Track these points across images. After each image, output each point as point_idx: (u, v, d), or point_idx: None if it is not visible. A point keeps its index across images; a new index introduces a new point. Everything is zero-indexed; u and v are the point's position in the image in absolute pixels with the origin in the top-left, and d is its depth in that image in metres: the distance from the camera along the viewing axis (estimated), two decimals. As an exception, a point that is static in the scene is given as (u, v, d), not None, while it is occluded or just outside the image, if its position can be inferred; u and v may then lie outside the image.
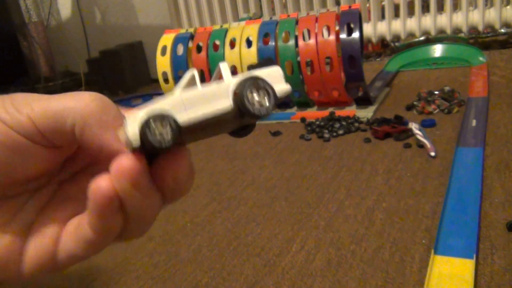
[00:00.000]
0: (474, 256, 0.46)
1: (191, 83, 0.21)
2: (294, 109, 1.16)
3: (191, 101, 0.20)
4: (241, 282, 0.50)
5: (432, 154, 0.74)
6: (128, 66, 1.97)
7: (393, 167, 0.73)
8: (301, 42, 1.05)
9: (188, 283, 0.52)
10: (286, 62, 1.08)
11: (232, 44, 1.15)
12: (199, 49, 1.20)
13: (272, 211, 0.66)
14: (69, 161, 0.23)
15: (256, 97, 0.20)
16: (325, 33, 1.03)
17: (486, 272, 0.45)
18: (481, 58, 1.32)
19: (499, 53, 1.46)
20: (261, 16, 1.54)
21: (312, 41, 1.04)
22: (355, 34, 0.99)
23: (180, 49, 1.23)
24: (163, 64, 1.23)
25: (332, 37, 1.02)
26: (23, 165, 0.20)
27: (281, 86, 0.21)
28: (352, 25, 1.00)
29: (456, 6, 1.54)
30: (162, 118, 0.19)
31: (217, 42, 1.17)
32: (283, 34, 1.10)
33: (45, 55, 1.99)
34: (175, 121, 0.19)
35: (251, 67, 0.22)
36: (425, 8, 1.58)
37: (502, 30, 1.61)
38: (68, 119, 0.20)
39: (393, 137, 0.86)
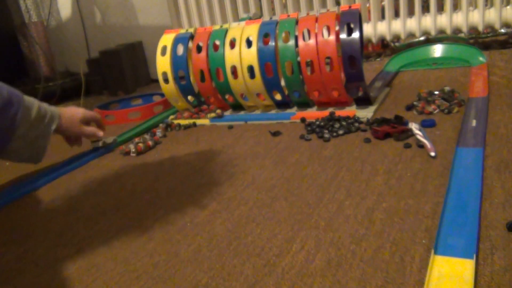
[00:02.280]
0: (474, 256, 0.46)
1: None
2: (294, 109, 1.16)
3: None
4: (241, 282, 0.50)
5: (432, 154, 0.75)
6: (128, 66, 1.97)
7: (393, 167, 0.73)
8: (301, 42, 1.05)
9: (188, 283, 0.52)
10: (286, 62, 1.08)
11: (232, 44, 1.15)
12: (199, 49, 1.20)
13: (272, 211, 0.66)
14: None
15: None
16: (325, 33, 1.03)
17: (486, 272, 0.45)
18: (481, 58, 1.32)
19: (499, 53, 1.46)
20: (261, 16, 1.54)
21: (312, 41, 1.04)
22: (355, 34, 0.99)
23: (180, 49, 1.23)
24: (163, 64, 1.23)
25: (332, 37, 1.02)
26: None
27: None
28: (352, 25, 1.00)
29: (456, 6, 1.54)
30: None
31: (217, 42, 1.17)
32: (283, 34, 1.10)
33: (45, 55, 1.99)
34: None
35: None
36: (425, 8, 1.58)
37: (502, 30, 1.61)
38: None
39: (393, 137, 0.86)
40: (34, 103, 0.85)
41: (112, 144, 1.09)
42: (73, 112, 0.95)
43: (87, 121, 0.99)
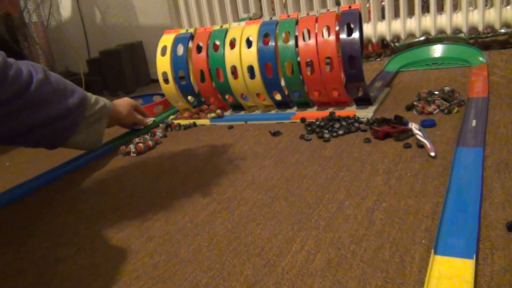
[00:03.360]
0: (474, 256, 0.46)
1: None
2: (294, 109, 1.16)
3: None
4: (241, 282, 0.50)
5: (432, 154, 0.75)
6: (128, 66, 1.97)
7: (393, 167, 0.73)
8: (301, 42, 1.05)
9: (188, 283, 0.52)
10: (286, 62, 1.08)
11: (232, 44, 1.15)
12: (199, 49, 1.20)
13: (272, 211, 0.66)
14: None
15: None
16: (325, 33, 1.03)
17: (486, 272, 0.45)
18: (481, 58, 1.32)
19: (499, 53, 1.46)
20: (261, 16, 1.54)
21: (312, 41, 1.04)
22: (355, 34, 0.99)
23: (180, 49, 1.23)
24: (163, 64, 1.23)
25: (332, 37, 1.02)
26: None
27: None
28: (352, 25, 1.00)
29: (456, 6, 1.54)
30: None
31: (217, 42, 1.17)
32: (283, 34, 1.10)
33: (45, 55, 1.99)
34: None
35: None
36: (425, 8, 1.58)
37: (502, 30, 1.61)
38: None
39: (393, 137, 0.86)
40: (92, 97, 0.96)
41: (152, 125, 1.21)
42: (126, 102, 1.09)
43: (136, 109, 1.14)
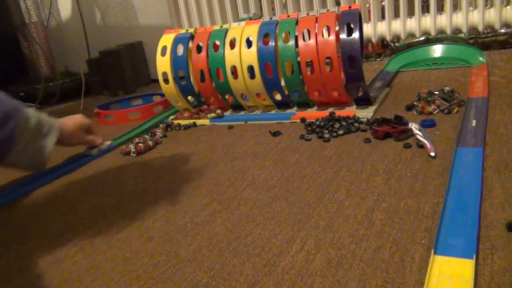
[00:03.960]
0: (474, 256, 0.46)
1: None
2: (294, 109, 1.16)
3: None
4: (241, 282, 0.50)
5: (432, 154, 0.75)
6: (128, 66, 1.97)
7: (393, 167, 0.73)
8: (301, 42, 1.05)
9: (188, 283, 0.52)
10: (286, 62, 1.08)
11: (232, 44, 1.15)
12: (199, 49, 1.20)
13: (272, 211, 0.66)
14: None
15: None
16: (325, 33, 1.03)
17: (486, 272, 0.45)
18: (481, 58, 1.32)
19: (499, 53, 1.46)
20: (261, 16, 1.54)
21: (312, 41, 1.04)
22: (355, 34, 0.99)
23: (180, 49, 1.23)
24: (163, 64, 1.23)
25: (332, 37, 1.02)
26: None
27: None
28: (352, 25, 1.00)
29: (456, 6, 1.54)
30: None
31: (217, 42, 1.17)
32: (283, 34, 1.10)
33: (45, 55, 1.99)
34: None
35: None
36: (425, 8, 1.58)
37: (502, 30, 1.61)
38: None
39: (393, 137, 0.86)
40: (33, 116, 0.84)
41: (108, 150, 1.09)
42: (74, 120, 0.99)
43: (84, 129, 1.04)
